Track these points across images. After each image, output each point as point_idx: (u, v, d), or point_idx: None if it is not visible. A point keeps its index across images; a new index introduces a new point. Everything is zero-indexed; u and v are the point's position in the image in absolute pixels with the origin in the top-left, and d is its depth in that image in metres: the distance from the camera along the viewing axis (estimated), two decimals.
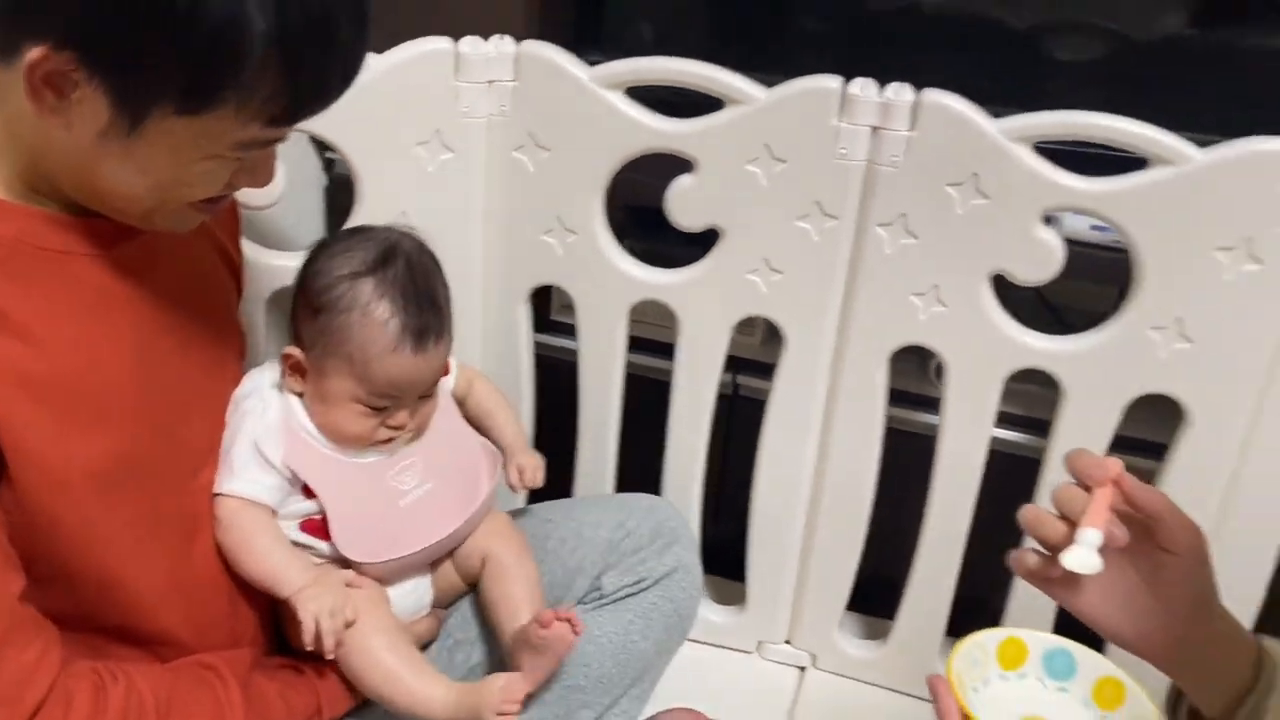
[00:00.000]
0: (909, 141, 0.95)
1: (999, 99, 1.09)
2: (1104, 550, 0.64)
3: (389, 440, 0.86)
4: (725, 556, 1.22)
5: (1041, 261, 0.95)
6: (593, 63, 1.03)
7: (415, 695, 0.81)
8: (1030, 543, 0.69)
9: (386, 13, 1.23)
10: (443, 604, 0.94)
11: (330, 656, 0.80)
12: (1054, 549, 0.66)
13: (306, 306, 0.84)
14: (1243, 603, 1.01)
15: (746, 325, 1.10)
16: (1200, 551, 0.67)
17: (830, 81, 0.95)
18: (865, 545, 1.14)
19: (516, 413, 1.03)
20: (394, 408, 0.84)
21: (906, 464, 1.11)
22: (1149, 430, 1.03)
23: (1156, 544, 0.66)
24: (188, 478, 0.79)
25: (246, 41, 0.60)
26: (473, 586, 0.93)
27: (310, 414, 0.85)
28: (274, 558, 0.81)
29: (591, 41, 1.34)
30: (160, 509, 0.76)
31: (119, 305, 0.73)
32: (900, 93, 0.94)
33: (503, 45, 1.01)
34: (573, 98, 1.00)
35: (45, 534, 0.68)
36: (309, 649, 0.79)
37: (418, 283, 0.83)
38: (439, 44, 0.99)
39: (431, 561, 0.91)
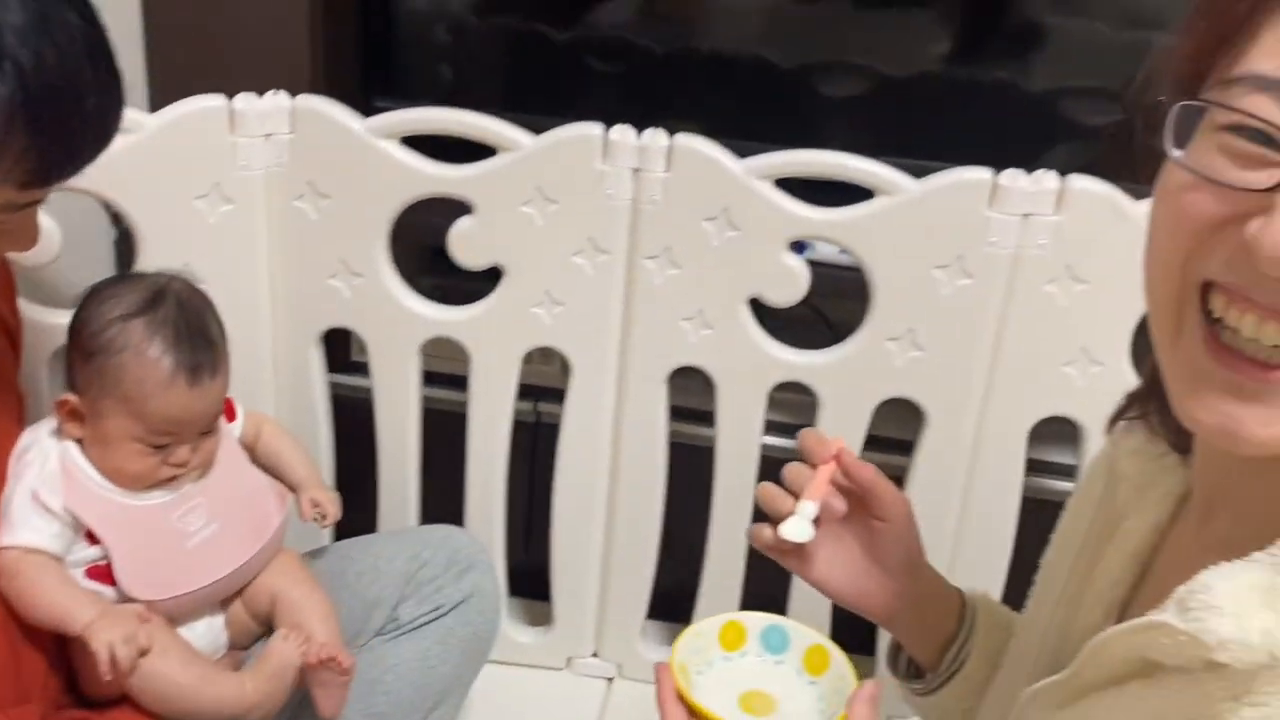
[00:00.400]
0: (666, 182, 1.03)
1: (771, 136, 1.20)
2: (827, 521, 0.72)
3: (174, 478, 0.88)
4: (538, 579, 1.27)
5: (790, 285, 1.05)
6: (382, 110, 1.07)
7: (222, 698, 0.83)
8: None
9: (171, 69, 1.26)
10: (240, 645, 0.96)
11: (126, 679, 0.81)
12: (781, 521, 0.74)
13: (79, 351, 0.86)
14: (990, 573, 1.13)
15: (547, 355, 1.16)
16: (908, 519, 0.76)
17: (593, 129, 1.03)
18: (661, 555, 1.21)
19: (308, 452, 1.06)
20: (174, 444, 0.86)
21: (694, 476, 1.19)
22: (898, 430, 1.14)
23: (871, 514, 0.74)
24: None
25: None
26: (268, 627, 0.95)
27: (91, 458, 0.86)
28: (60, 596, 0.81)
29: (381, 90, 1.38)
30: None
31: None
32: (656, 138, 1.03)
33: (278, 100, 1.05)
34: (349, 148, 1.05)
35: None
36: (106, 679, 0.80)
37: (189, 321, 0.86)
38: (213, 101, 1.02)
39: (222, 600, 0.92)
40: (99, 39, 0.69)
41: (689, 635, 0.69)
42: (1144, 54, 0.54)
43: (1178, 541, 0.60)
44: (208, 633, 0.91)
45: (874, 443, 1.12)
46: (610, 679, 1.26)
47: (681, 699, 0.63)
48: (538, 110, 1.29)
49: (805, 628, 0.71)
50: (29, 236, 0.74)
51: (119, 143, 0.90)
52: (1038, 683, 0.60)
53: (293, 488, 1.00)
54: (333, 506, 0.99)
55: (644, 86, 1.38)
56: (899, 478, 1.13)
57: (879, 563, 0.75)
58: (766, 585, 1.22)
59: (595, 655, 1.26)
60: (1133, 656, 0.52)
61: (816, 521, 0.70)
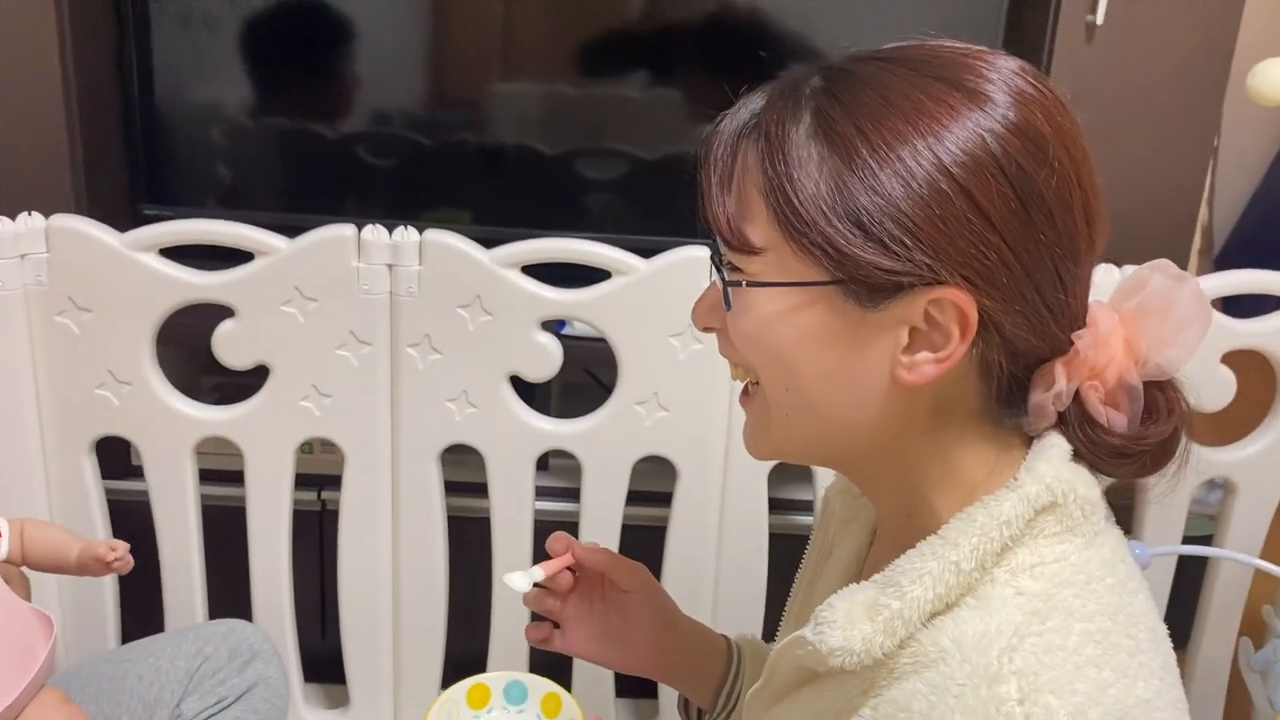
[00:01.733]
0: (420, 274, 1.12)
1: (541, 220, 1.30)
2: (575, 600, 0.83)
3: None
4: (338, 663, 1.30)
5: (544, 361, 1.15)
6: (151, 219, 1.12)
7: None
8: None
9: None
10: None
11: None
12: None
13: None
14: (753, 606, 1.24)
15: (329, 445, 1.21)
16: (649, 583, 0.86)
17: (346, 229, 1.11)
18: (451, 625, 1.27)
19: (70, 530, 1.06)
20: None
21: (474, 547, 1.26)
22: (657, 483, 1.25)
23: (618, 587, 0.84)
24: None
25: None
26: None
27: None
28: None
29: (150, 197, 1.42)
30: None
31: None
32: (407, 234, 1.12)
33: (32, 221, 1.08)
34: (107, 262, 1.09)
35: None
36: None
37: None
38: None
39: None
40: None
41: (440, 702, 0.77)
42: None
43: (873, 566, 0.70)
44: None
45: (636, 497, 1.22)
46: None
47: None
48: (311, 209, 1.35)
49: (541, 679, 0.80)
50: None
51: None
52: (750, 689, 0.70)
53: (75, 558, 1.00)
54: (120, 545, 1.00)
55: (418, 179, 1.47)
56: (662, 528, 1.24)
57: (637, 625, 0.84)
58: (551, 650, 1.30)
59: None
60: (797, 665, 0.63)
61: (547, 589, 0.80)
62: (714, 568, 1.23)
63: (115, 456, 1.27)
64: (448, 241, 1.12)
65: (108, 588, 1.22)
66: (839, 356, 0.58)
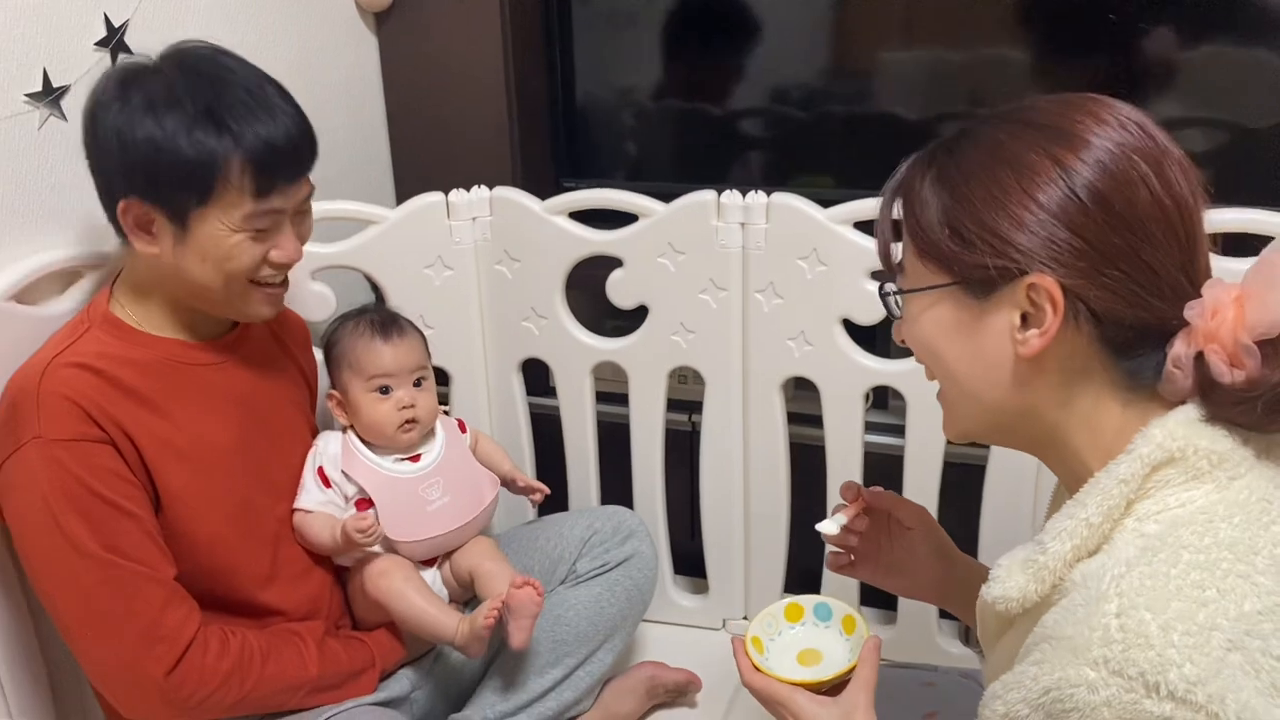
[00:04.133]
0: (766, 231, 1.32)
1: None
2: (865, 539, 1.00)
3: (408, 424, 1.23)
4: (701, 560, 1.57)
5: (873, 306, 1.30)
6: (568, 189, 1.43)
7: (438, 622, 1.18)
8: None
9: (408, 174, 1.67)
10: (455, 598, 1.30)
11: (374, 549, 1.18)
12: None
13: (327, 356, 1.28)
14: None
15: (699, 376, 1.45)
16: (927, 521, 1.01)
17: (706, 195, 1.34)
18: (792, 539, 1.48)
19: (509, 455, 1.41)
20: (394, 388, 1.23)
21: (813, 473, 1.45)
22: None
23: (900, 525, 1.01)
24: (275, 505, 1.18)
25: (218, 160, 0.98)
26: (466, 592, 1.28)
27: (358, 432, 1.24)
28: (326, 535, 1.19)
29: (569, 171, 1.75)
30: (258, 526, 1.15)
31: (228, 397, 1.13)
32: (757, 198, 1.32)
33: (480, 192, 1.42)
34: (531, 223, 1.41)
35: (186, 543, 1.08)
36: (362, 540, 1.16)
37: (382, 311, 1.28)
38: (434, 197, 1.41)
39: (439, 562, 1.27)
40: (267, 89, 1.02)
41: (762, 615, 0.98)
42: None
43: None
44: (433, 583, 1.26)
45: None
46: None
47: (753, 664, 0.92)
48: (695, 178, 1.59)
49: (841, 603, 0.99)
50: (287, 245, 1.07)
51: (372, 230, 1.32)
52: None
53: (502, 478, 1.35)
54: (537, 484, 1.36)
55: (788, 147, 1.66)
56: (981, 466, 1.35)
57: (918, 558, 1.01)
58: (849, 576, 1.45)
59: (745, 618, 1.54)
60: (994, 614, 0.77)
61: (849, 535, 0.99)
62: (1031, 503, 1.33)
63: (536, 377, 1.61)
64: (790, 203, 1.31)
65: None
66: (972, 342, 0.74)
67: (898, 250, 0.80)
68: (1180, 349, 0.69)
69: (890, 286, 0.81)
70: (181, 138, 0.98)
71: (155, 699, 1.02)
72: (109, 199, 1.03)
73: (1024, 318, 0.71)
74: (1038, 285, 0.69)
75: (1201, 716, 0.59)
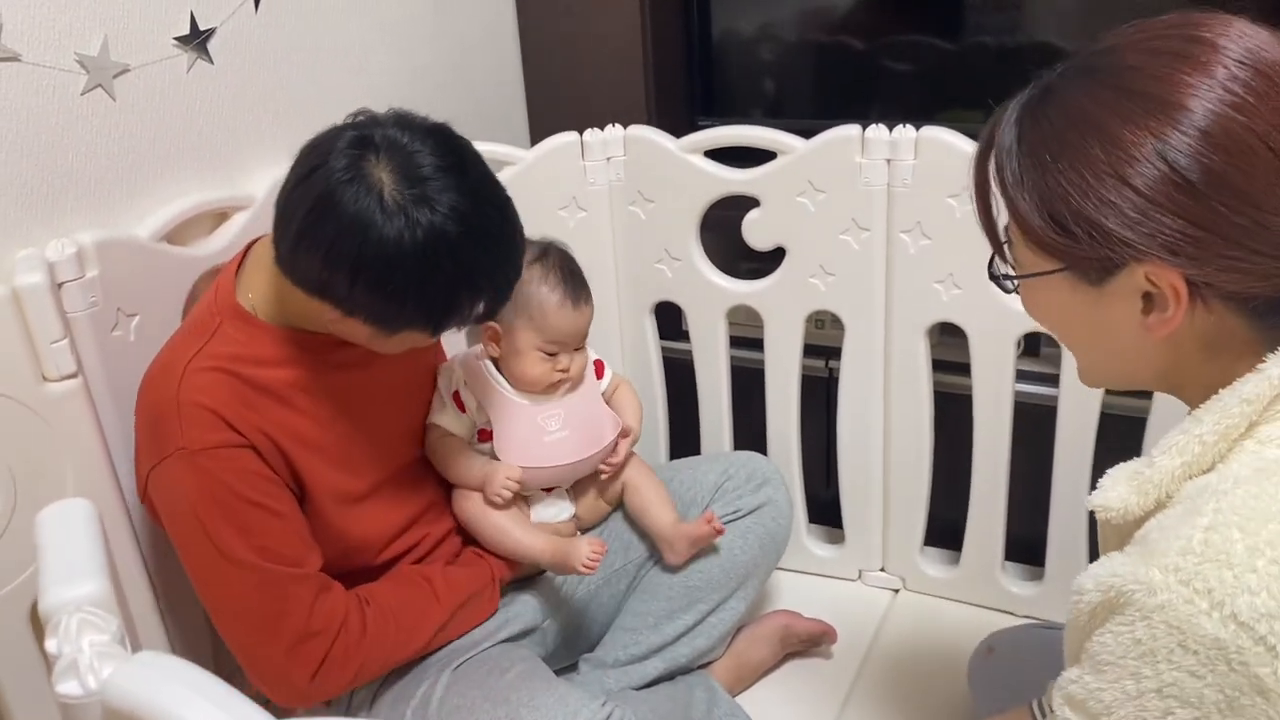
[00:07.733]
0: (914, 167, 1.25)
1: None
2: None
3: (558, 383, 1.22)
4: (838, 509, 1.53)
5: None
6: (703, 127, 1.39)
7: (526, 544, 1.18)
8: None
9: (542, 115, 1.66)
10: (588, 520, 1.30)
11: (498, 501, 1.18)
12: None
13: None
14: None
15: (837, 321, 1.40)
16: None
17: (851, 130, 1.28)
18: (934, 490, 1.42)
19: (642, 413, 1.35)
20: (561, 352, 1.21)
21: (958, 422, 1.39)
22: None
23: None
24: (410, 457, 1.20)
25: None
26: (615, 506, 1.29)
27: (501, 369, 1.22)
28: (459, 459, 1.20)
29: (703, 109, 1.71)
30: (397, 491, 1.16)
31: (359, 392, 1.12)
32: (905, 132, 1.25)
33: (614, 132, 1.40)
34: (666, 162, 1.37)
35: (334, 531, 1.10)
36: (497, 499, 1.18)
37: (568, 266, 1.22)
38: (568, 137, 1.39)
39: (569, 485, 1.27)
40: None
41: None
42: None
43: None
44: (554, 505, 1.26)
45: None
46: (896, 590, 1.49)
47: None
48: (838, 115, 1.53)
49: None
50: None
51: (507, 171, 1.30)
52: None
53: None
54: (623, 453, 1.29)
55: (935, 81, 1.58)
56: (1142, 419, 1.26)
57: None
58: (1024, 522, 1.39)
59: (883, 570, 1.50)
60: (1113, 528, 0.74)
61: None
62: None
63: (669, 320, 1.58)
64: (940, 137, 1.23)
65: (660, 419, 1.54)
66: (1092, 322, 0.70)
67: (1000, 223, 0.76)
68: None
69: (1000, 267, 0.77)
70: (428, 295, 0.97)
71: (303, 691, 1.05)
72: (293, 239, 0.97)
73: (1147, 296, 0.67)
74: (1159, 272, 0.65)
75: (1260, 649, 0.57)
